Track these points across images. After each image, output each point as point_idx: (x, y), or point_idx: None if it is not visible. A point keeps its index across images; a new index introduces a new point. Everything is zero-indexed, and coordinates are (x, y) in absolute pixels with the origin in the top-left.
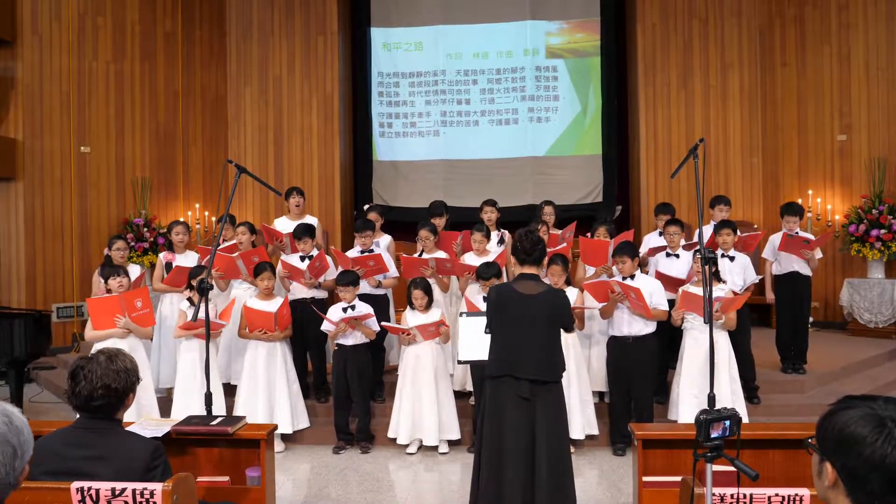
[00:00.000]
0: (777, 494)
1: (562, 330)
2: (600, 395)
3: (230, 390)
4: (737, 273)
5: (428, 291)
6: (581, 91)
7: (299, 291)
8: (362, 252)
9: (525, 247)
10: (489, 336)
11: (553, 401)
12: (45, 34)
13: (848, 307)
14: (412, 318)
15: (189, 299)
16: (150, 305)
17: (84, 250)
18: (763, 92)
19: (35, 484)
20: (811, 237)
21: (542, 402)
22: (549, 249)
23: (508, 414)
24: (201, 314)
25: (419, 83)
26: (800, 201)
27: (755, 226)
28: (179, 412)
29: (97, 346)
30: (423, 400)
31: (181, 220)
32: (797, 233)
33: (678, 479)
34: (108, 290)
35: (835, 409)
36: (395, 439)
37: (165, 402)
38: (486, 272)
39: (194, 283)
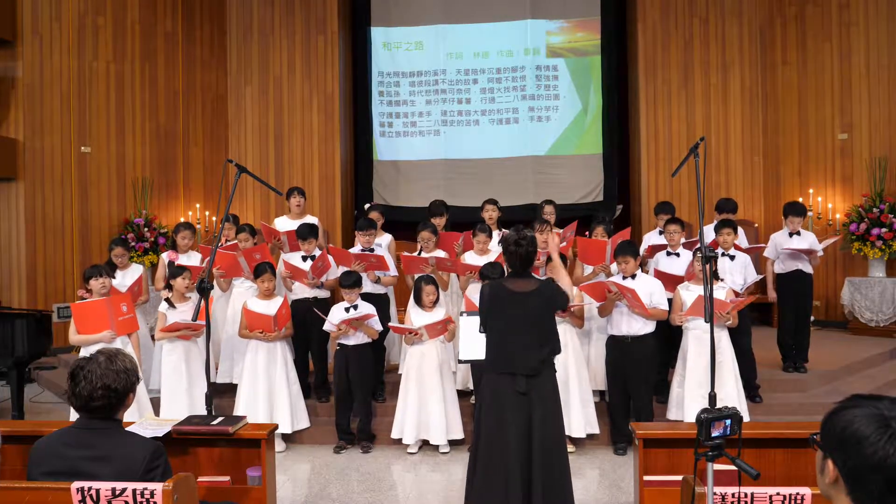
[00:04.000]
0: (778, 493)
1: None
2: (600, 394)
3: (231, 390)
4: (737, 272)
5: (437, 288)
6: (581, 90)
7: (301, 291)
8: (363, 251)
9: (510, 257)
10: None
11: (548, 390)
12: (45, 34)
13: (849, 306)
14: (418, 318)
15: (167, 300)
16: (133, 311)
17: (84, 250)
18: (764, 91)
19: (35, 484)
20: (814, 241)
21: (537, 393)
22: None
23: (507, 410)
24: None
25: (419, 83)
26: (800, 200)
27: (755, 224)
28: (166, 415)
29: (87, 349)
30: (429, 399)
31: (187, 222)
32: (799, 233)
33: (679, 478)
34: (89, 290)
35: (840, 407)
36: (398, 439)
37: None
38: (490, 272)
39: (168, 284)
